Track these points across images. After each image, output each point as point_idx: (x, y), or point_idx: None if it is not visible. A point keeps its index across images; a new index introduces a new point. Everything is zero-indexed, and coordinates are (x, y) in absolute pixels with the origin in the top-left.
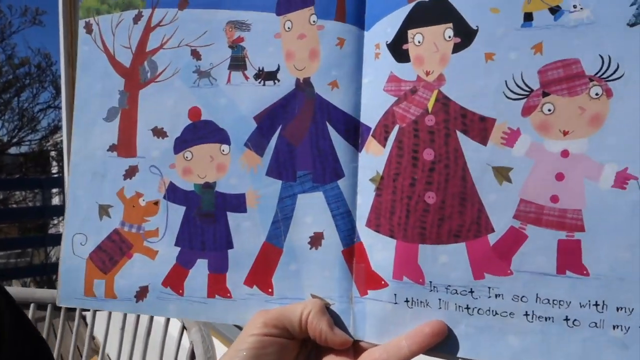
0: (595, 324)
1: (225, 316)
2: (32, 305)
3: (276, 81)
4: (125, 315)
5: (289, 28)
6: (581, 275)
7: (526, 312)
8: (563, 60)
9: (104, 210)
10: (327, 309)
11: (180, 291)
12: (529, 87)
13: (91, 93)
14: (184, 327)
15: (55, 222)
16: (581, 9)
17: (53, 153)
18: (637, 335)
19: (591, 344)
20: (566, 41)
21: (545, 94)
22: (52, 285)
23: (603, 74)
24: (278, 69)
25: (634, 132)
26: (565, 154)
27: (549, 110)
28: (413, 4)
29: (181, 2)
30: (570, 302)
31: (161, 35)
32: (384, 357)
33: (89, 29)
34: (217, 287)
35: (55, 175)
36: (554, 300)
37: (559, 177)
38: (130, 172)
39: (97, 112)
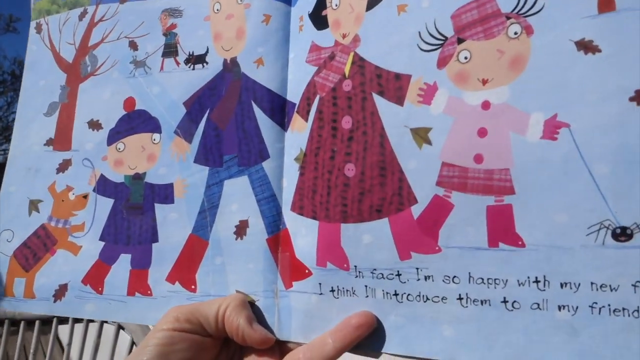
0: (538, 305)
1: (144, 316)
2: None
3: (205, 64)
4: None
5: (217, 10)
6: (516, 246)
7: (459, 295)
8: (477, 0)
9: (33, 206)
10: (251, 305)
11: (100, 289)
12: (443, 35)
13: (35, 90)
14: (120, 327)
15: None
16: None
17: None
18: (587, 316)
19: (535, 330)
20: None
21: (460, 41)
22: None
23: (520, 9)
24: (207, 51)
25: (560, 72)
26: (486, 105)
27: (465, 58)
28: None
29: None
30: (507, 280)
31: (103, 29)
32: (307, 356)
33: (39, 29)
34: (138, 284)
35: None
36: (488, 279)
37: (482, 132)
38: (64, 166)
39: (39, 108)
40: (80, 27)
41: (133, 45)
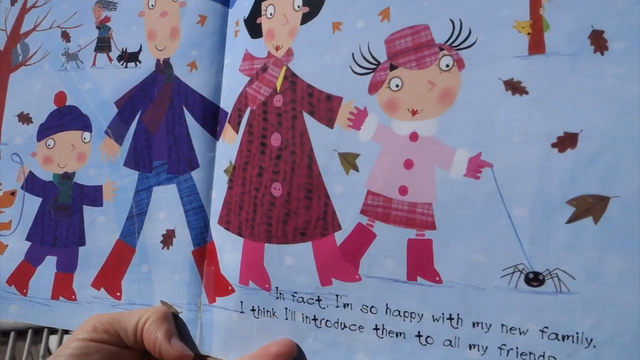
0: (450, 341)
1: (67, 321)
2: None
3: (138, 63)
4: None
5: (152, 5)
6: (433, 282)
7: (376, 325)
8: (412, 27)
9: None
10: (175, 317)
11: (25, 291)
12: (376, 60)
13: None
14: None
15: None
16: None
17: None
18: (496, 357)
19: None
20: (415, 4)
21: (393, 67)
22: None
23: (454, 41)
24: (140, 49)
25: (487, 110)
26: (414, 137)
27: (397, 86)
28: None
29: None
30: (422, 315)
31: (35, 16)
32: None
33: None
34: (63, 288)
35: None
36: (405, 312)
37: (408, 164)
38: None
39: None
40: (12, 13)
41: (65, 36)
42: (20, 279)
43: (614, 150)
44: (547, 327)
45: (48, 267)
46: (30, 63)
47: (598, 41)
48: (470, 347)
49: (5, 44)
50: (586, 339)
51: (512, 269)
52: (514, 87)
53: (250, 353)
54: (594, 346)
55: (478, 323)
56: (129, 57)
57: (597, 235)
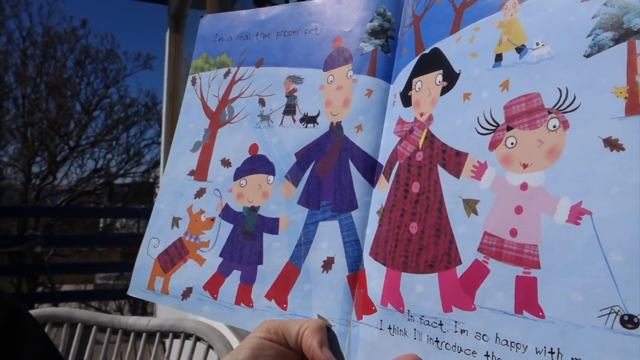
0: None
1: (245, 323)
2: (94, 329)
3: (315, 124)
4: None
5: (331, 81)
6: (537, 316)
7: (487, 352)
8: (526, 95)
9: (175, 222)
10: (328, 329)
11: (215, 296)
12: (496, 122)
13: (186, 130)
14: (209, 347)
15: None
16: (542, 45)
17: (156, 188)
18: None
19: None
20: (529, 76)
21: (509, 128)
22: (143, 308)
23: (561, 105)
24: (318, 114)
25: (588, 164)
26: (524, 186)
27: (512, 143)
28: (418, 56)
29: (258, 62)
30: (527, 347)
31: (240, 87)
32: None
33: (194, 82)
34: (244, 296)
35: None
36: (512, 342)
37: (518, 210)
38: (200, 193)
39: (187, 145)
40: (224, 84)
41: (261, 102)
42: (213, 286)
43: None
44: None
45: (234, 279)
46: (234, 121)
47: None
48: None
49: (217, 106)
50: None
51: (609, 310)
52: (612, 144)
53: None
54: None
55: (576, 359)
56: (309, 120)
57: None
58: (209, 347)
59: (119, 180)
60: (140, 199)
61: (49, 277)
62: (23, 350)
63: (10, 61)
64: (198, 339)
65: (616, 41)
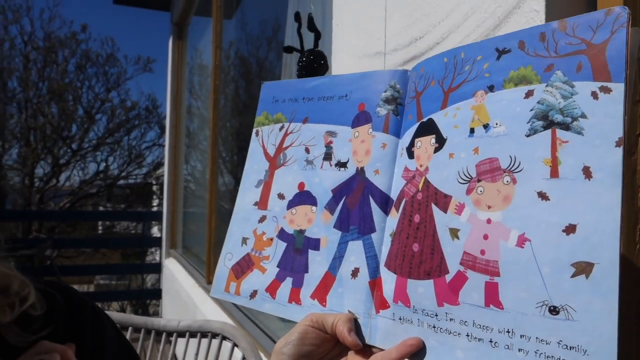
0: (508, 346)
1: (295, 316)
2: (129, 329)
3: (346, 168)
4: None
5: (356, 136)
6: (499, 308)
7: (467, 333)
8: (489, 158)
9: (244, 241)
10: (355, 320)
11: (274, 296)
12: (470, 175)
13: (252, 171)
14: (234, 345)
15: (153, 250)
16: (500, 125)
17: (154, 188)
18: (532, 358)
19: None
20: (491, 146)
21: (479, 180)
22: (145, 309)
23: (511, 168)
24: (348, 160)
25: (528, 208)
26: (489, 221)
27: (481, 191)
28: (419, 123)
29: (304, 119)
30: (492, 329)
31: (291, 138)
32: (377, 358)
33: (257, 133)
34: (294, 297)
35: (155, 209)
36: (484, 326)
37: (485, 237)
38: (262, 219)
39: (252, 182)
40: (280, 135)
41: (307, 150)
42: (272, 289)
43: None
44: (561, 341)
45: (287, 284)
46: (287, 164)
47: (588, 173)
48: (519, 350)
49: (274, 153)
50: None
51: (542, 303)
52: (543, 195)
53: (397, 344)
54: None
55: (524, 335)
56: (341, 165)
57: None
58: (234, 345)
59: (120, 182)
60: (141, 200)
61: (58, 280)
62: (105, 344)
63: (13, 66)
64: (224, 338)
65: (545, 128)
